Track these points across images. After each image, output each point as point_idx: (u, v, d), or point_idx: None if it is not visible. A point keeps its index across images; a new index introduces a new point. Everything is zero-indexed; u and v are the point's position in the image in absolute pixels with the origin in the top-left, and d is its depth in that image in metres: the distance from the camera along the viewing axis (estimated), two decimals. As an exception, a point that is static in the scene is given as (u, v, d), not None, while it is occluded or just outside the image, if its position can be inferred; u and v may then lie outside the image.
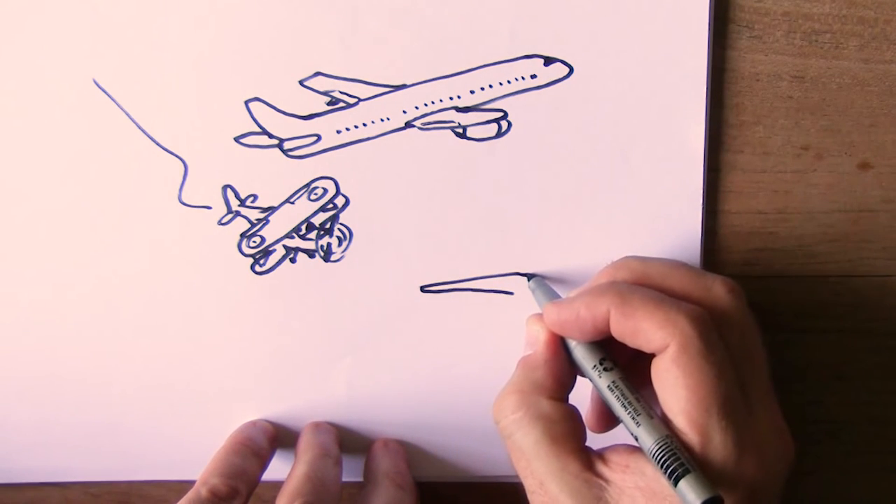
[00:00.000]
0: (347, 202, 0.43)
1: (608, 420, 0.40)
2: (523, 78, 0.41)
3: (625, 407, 0.35)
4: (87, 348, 0.46)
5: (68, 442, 0.48)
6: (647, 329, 0.35)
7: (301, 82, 0.42)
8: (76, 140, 0.42)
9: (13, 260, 0.44)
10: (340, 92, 0.42)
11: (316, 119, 0.42)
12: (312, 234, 0.44)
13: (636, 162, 0.42)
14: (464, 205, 0.43)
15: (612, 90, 0.41)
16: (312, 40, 0.41)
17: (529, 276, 0.43)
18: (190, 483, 0.43)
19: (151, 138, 0.42)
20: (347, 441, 0.47)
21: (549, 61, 0.41)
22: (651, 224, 0.43)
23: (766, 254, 0.44)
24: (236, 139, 0.42)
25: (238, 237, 0.44)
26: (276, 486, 0.43)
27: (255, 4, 0.41)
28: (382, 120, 0.42)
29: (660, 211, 0.43)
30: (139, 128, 0.42)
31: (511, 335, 0.44)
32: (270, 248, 0.44)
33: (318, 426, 0.47)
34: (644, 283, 0.37)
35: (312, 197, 0.43)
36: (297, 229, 0.44)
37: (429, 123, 0.42)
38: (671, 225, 0.43)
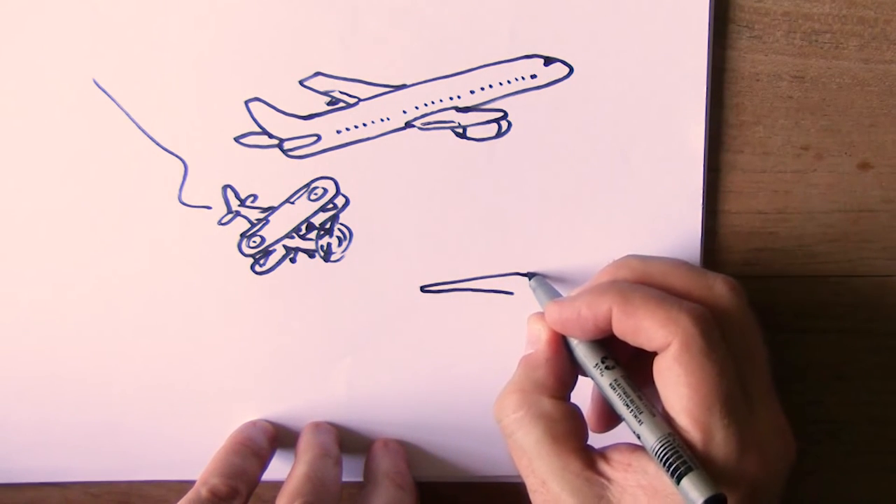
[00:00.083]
0: (347, 202, 0.43)
1: (609, 419, 0.40)
2: (523, 78, 0.41)
3: (627, 405, 0.35)
4: (87, 348, 0.46)
5: (68, 442, 0.48)
6: (648, 327, 0.35)
7: (301, 82, 0.42)
8: (76, 140, 0.42)
9: (13, 260, 0.44)
10: (340, 92, 0.42)
11: (316, 119, 0.42)
12: (312, 234, 0.44)
13: (636, 162, 0.42)
14: (464, 205, 0.43)
15: (612, 90, 0.41)
16: (312, 40, 0.41)
17: (530, 276, 0.43)
18: (190, 483, 0.42)
19: (151, 138, 0.42)
20: (347, 441, 0.47)
21: (549, 61, 0.41)
22: (651, 224, 0.43)
23: (766, 254, 0.44)
24: (236, 139, 0.42)
25: (238, 237, 0.44)
26: (276, 486, 0.43)
27: (255, 4, 0.41)
28: (382, 120, 0.42)
29: (660, 211, 0.43)
30: (139, 128, 0.42)
31: (511, 335, 0.44)
32: (270, 248, 0.44)
33: (318, 426, 0.47)
34: (645, 281, 0.37)
35: (312, 197, 0.43)
36: (297, 229, 0.44)
37: (429, 123, 0.42)
38: (671, 225, 0.43)
